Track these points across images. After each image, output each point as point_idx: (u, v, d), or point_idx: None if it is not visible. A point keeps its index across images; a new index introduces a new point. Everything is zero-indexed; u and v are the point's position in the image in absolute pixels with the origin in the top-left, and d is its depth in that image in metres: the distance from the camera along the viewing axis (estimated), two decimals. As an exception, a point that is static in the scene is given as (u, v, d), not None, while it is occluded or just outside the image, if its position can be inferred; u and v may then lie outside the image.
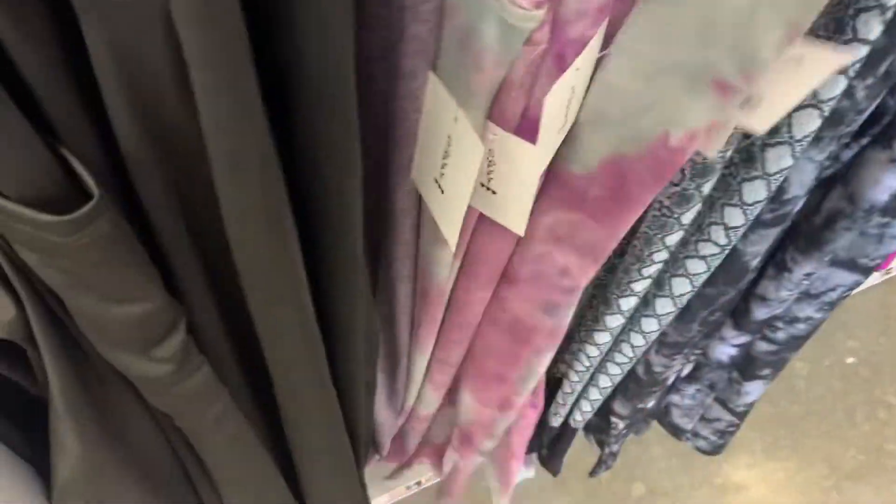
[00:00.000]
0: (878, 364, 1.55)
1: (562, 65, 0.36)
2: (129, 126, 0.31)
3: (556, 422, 0.83)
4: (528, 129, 0.39)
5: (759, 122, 0.40)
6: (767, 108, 0.39)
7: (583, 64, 0.37)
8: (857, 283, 0.63)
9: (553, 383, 0.84)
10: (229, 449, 0.51)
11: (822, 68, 0.38)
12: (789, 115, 0.42)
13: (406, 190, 0.47)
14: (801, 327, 0.68)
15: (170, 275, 0.39)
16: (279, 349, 0.46)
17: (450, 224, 0.44)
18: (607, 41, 0.39)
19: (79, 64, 0.30)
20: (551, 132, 0.39)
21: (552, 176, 0.47)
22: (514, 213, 0.44)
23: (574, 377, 0.72)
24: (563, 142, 0.45)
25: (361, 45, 0.35)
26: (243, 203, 0.35)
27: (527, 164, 0.39)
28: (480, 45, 0.34)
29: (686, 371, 0.78)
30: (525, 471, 1.04)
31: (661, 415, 0.88)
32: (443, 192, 0.43)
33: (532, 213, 0.49)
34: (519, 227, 0.45)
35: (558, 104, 0.37)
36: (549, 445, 0.94)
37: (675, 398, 0.83)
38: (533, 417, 0.81)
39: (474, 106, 0.38)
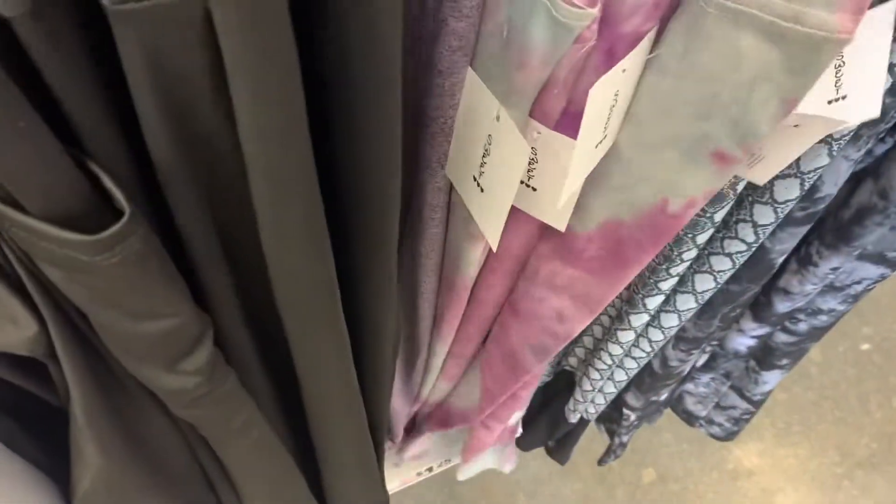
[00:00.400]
0: (892, 351, 1.55)
1: (611, 61, 0.35)
2: (162, 135, 0.30)
3: (573, 418, 0.83)
4: (568, 125, 0.38)
5: (760, 176, 0.41)
6: (768, 164, 0.39)
7: (630, 67, 0.36)
8: (884, 277, 0.62)
9: (564, 377, 0.84)
10: (253, 455, 0.50)
11: (818, 132, 0.39)
12: (828, 113, 0.40)
13: (436, 186, 0.46)
14: (823, 318, 0.67)
15: (197, 285, 0.39)
16: (310, 358, 0.45)
17: (491, 223, 0.44)
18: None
19: (106, 72, 0.28)
20: (592, 132, 0.38)
21: (552, 229, 0.47)
22: (555, 210, 0.43)
23: (595, 375, 0.72)
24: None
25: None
26: (281, 214, 0.34)
27: (573, 160, 0.38)
28: (526, 42, 0.33)
29: (701, 361, 0.78)
30: (489, 459, 1.04)
31: (675, 402, 0.87)
32: (483, 190, 0.42)
33: (538, 255, 0.51)
34: (560, 224, 0.44)
35: (601, 103, 0.36)
36: (559, 438, 0.94)
37: (689, 386, 0.83)
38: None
39: (515, 104, 0.37)
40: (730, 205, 0.47)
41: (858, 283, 0.63)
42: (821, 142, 0.41)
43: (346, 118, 0.34)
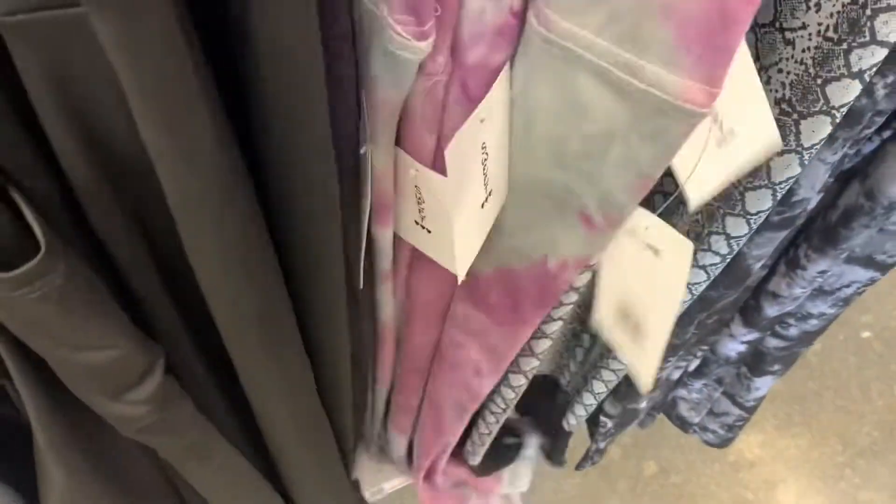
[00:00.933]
0: (893, 339, 1.52)
1: (468, 93, 0.33)
2: (77, 158, 0.29)
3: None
4: (444, 163, 0.36)
5: (694, 195, 0.38)
6: (701, 183, 0.37)
7: (490, 115, 0.33)
8: (874, 280, 0.60)
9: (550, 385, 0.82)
10: (218, 478, 0.50)
11: (751, 152, 0.36)
12: (797, 122, 0.38)
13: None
14: (813, 322, 0.65)
15: (145, 313, 0.38)
16: (256, 382, 0.45)
17: (450, 258, 0.42)
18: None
19: (20, 93, 0.27)
20: (466, 193, 0.35)
21: None
22: (447, 252, 0.41)
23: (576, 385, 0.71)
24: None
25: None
26: (196, 240, 0.33)
27: (447, 199, 0.37)
28: (372, 69, 0.32)
29: (693, 366, 0.76)
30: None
31: (668, 408, 0.86)
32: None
33: (457, 296, 0.50)
34: (453, 267, 0.42)
35: (464, 162, 0.34)
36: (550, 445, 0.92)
37: (682, 392, 0.81)
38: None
39: (374, 138, 0.35)
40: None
41: (848, 286, 0.61)
42: (791, 151, 0.39)
43: (276, 148, 0.32)
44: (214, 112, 0.28)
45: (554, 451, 0.92)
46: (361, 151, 0.37)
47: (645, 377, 0.41)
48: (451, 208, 0.36)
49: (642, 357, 0.41)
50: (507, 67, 0.33)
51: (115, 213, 0.32)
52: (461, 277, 0.42)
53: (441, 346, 0.55)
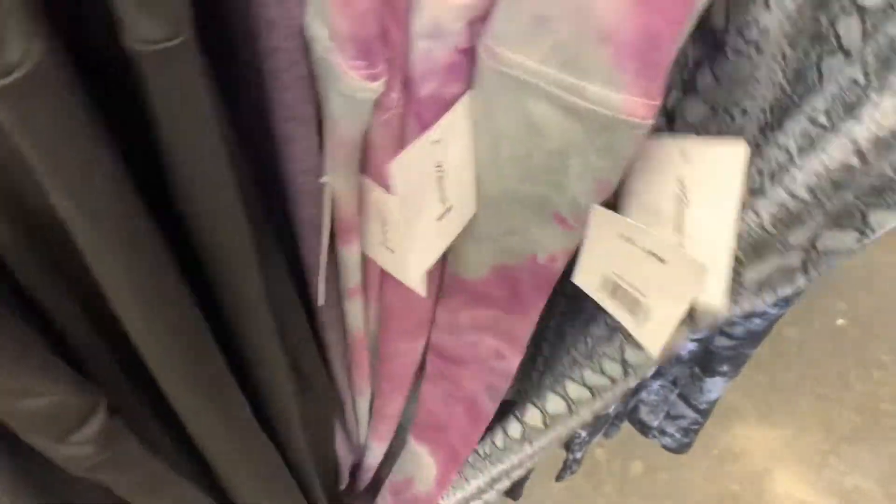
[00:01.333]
0: (867, 324, 1.54)
1: (423, 124, 0.35)
2: None
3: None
4: None
5: (651, 342, 0.40)
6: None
7: (444, 136, 0.35)
8: (809, 280, 0.61)
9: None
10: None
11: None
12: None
13: (309, 248, 0.46)
14: (757, 322, 0.66)
15: (81, 357, 0.39)
16: (193, 417, 0.46)
17: (412, 279, 0.44)
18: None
19: None
20: (417, 205, 0.37)
21: (450, 281, 0.49)
22: (408, 271, 0.44)
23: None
24: (451, 250, 0.46)
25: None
26: (114, 292, 0.34)
27: (396, 212, 0.39)
28: (329, 110, 0.34)
29: (650, 372, 0.77)
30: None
31: (630, 412, 0.87)
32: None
33: (450, 308, 0.52)
34: (415, 284, 0.44)
35: (409, 178, 0.36)
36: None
37: (642, 395, 0.83)
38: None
39: (333, 169, 0.37)
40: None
41: (785, 286, 0.62)
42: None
43: (183, 190, 0.34)
44: (117, 174, 0.29)
45: (516, 483, 0.91)
46: (322, 181, 0.38)
47: (652, 349, 0.40)
48: (400, 219, 0.39)
49: (644, 332, 0.41)
50: (466, 96, 0.36)
51: (39, 269, 0.33)
52: (413, 286, 0.44)
53: (454, 350, 0.57)
